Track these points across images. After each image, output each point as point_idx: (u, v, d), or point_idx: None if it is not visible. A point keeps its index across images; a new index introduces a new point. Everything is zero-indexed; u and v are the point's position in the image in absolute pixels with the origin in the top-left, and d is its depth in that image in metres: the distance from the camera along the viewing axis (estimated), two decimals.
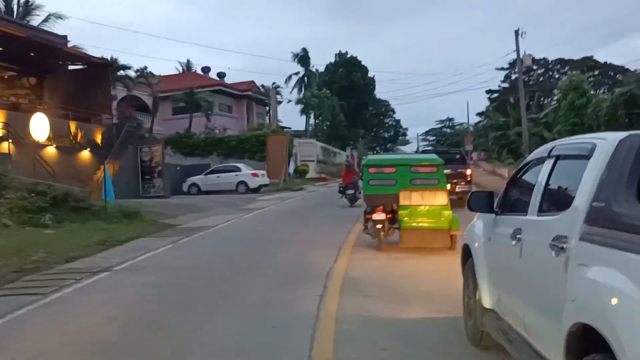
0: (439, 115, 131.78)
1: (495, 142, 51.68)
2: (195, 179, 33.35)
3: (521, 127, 49.17)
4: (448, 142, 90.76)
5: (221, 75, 59.38)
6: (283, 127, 59.58)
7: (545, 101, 58.81)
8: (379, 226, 11.61)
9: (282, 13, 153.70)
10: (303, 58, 72.02)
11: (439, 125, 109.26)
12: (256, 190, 32.39)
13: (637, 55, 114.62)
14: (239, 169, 32.87)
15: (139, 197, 26.63)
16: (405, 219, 11.35)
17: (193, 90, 43.38)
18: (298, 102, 60.75)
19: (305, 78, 71.75)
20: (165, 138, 43.48)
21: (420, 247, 11.11)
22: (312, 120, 70.06)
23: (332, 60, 77.32)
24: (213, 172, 33.51)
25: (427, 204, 11.47)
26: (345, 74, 71.87)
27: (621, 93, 35.59)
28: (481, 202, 5.16)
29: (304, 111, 61.16)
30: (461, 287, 5.99)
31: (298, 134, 58.65)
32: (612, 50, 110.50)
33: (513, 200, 4.97)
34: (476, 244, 5.41)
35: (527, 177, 4.77)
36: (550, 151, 4.23)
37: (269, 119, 42.46)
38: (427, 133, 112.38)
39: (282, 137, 37.88)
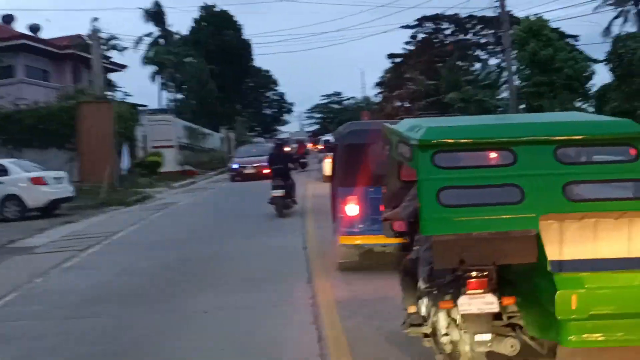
0: (326, 90, 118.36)
1: (422, 113, 38.81)
2: None
3: (457, 92, 36.70)
4: (338, 120, 77.53)
5: (34, 28, 41.32)
6: (137, 105, 42.86)
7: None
8: (483, 339, 3.98)
9: None
10: (156, 15, 54.97)
11: (325, 101, 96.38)
12: (46, 210, 16.47)
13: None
14: (4, 171, 16.54)
15: None
16: (573, 315, 3.55)
17: None
18: (146, 61, 44.08)
19: (161, 40, 54.91)
20: None
21: None
22: (172, 96, 53.67)
23: (196, 21, 60.62)
24: None
25: (621, 258, 4.12)
26: (214, 33, 55.74)
27: None
28: None
29: (155, 77, 44.46)
30: None
31: (154, 112, 42.36)
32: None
33: None
34: None
35: None
36: None
37: (102, 84, 25.92)
38: (312, 110, 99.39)
39: (105, 107, 21.45)
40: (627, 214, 4.11)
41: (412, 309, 4.70)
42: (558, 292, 3.56)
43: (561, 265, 4.17)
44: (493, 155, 4.27)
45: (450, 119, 6.72)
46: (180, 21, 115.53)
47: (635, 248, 4.15)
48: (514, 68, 32.34)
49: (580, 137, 4.10)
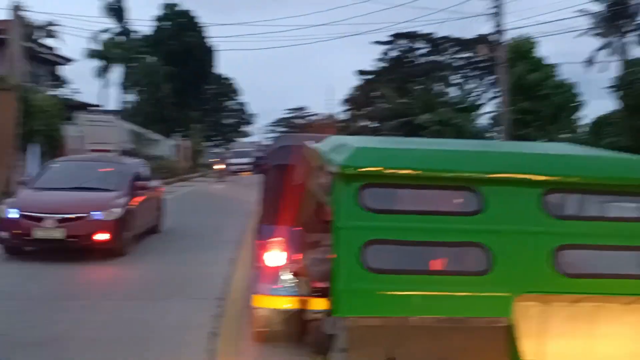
0: (291, 104, 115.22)
1: (393, 133, 35.82)
2: None
3: (432, 114, 33.74)
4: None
5: None
6: (90, 105, 38.76)
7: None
8: None
9: None
10: (117, 10, 51.12)
11: (290, 115, 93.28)
12: None
13: None
14: None
15: None
16: None
17: None
18: (92, 54, 40.04)
19: (120, 37, 50.88)
20: None
21: None
22: (125, 97, 49.45)
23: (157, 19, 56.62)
24: None
25: None
26: (175, 33, 51.95)
27: None
28: None
29: (102, 73, 40.41)
30: None
31: (102, 113, 38.27)
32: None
33: None
34: None
35: None
36: None
37: (21, 71, 21.86)
38: (275, 124, 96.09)
39: (8, 98, 17.13)
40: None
41: None
42: None
43: None
44: (449, 197, 3.21)
45: (390, 139, 5.30)
46: (147, 21, 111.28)
47: None
48: (497, 91, 29.76)
49: (582, 178, 2.92)
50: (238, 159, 43.92)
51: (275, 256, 5.51)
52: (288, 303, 5.30)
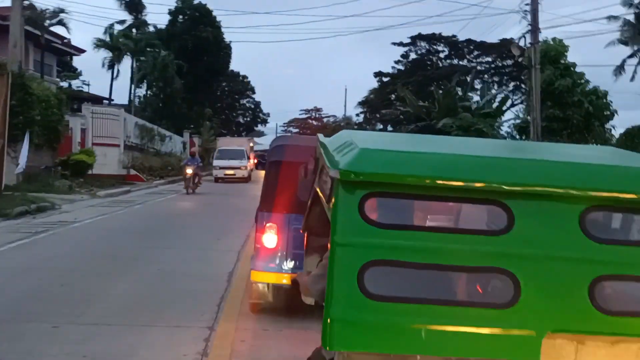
0: (306, 104, 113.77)
1: None
2: None
3: (453, 118, 32.25)
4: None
5: None
6: (104, 99, 37.79)
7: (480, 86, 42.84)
8: None
9: None
10: (132, 3, 50.11)
11: (304, 115, 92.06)
12: None
13: None
14: None
15: None
16: None
17: None
18: (99, 44, 38.88)
19: (134, 30, 49.83)
20: None
21: None
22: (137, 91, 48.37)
23: (172, 13, 55.49)
24: None
25: None
26: (190, 27, 50.83)
27: None
28: None
29: (112, 63, 39.29)
30: None
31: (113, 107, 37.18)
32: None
33: None
34: None
35: None
36: None
37: (21, 56, 20.65)
38: (289, 124, 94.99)
39: None
40: None
41: None
42: None
43: None
44: (469, 211, 2.91)
45: (404, 136, 4.86)
46: (164, 16, 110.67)
47: None
48: (517, 99, 28.19)
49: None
50: (226, 161, 32.06)
51: (270, 238, 6.42)
52: (282, 279, 6.24)
